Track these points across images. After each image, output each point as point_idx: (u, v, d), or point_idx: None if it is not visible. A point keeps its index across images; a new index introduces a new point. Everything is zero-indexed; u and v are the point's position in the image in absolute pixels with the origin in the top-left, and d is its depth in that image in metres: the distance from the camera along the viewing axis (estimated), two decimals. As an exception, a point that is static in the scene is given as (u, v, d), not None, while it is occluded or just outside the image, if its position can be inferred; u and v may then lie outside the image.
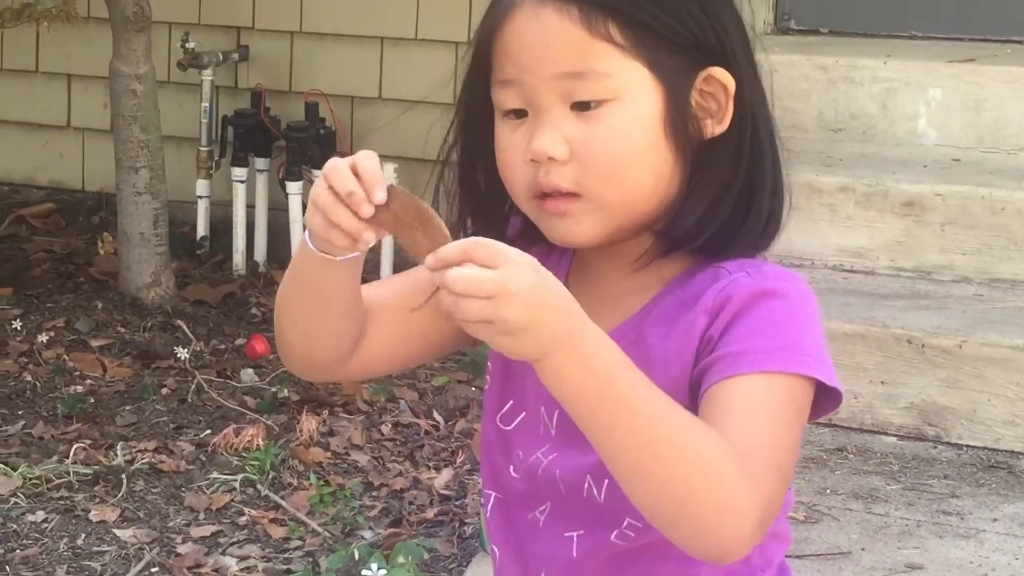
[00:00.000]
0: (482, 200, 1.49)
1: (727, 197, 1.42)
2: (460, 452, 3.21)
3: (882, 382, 3.09)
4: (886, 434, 3.10)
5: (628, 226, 1.42)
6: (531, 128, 1.40)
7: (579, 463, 1.41)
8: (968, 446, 3.06)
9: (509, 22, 1.41)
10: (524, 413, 1.49)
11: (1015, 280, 3.35)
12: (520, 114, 1.41)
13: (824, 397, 1.40)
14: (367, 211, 1.31)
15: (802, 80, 3.82)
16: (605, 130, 1.38)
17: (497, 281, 1.23)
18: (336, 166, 1.32)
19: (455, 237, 1.29)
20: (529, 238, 1.47)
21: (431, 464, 3.17)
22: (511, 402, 1.50)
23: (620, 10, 1.37)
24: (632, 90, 1.38)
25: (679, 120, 1.40)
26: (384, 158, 4.86)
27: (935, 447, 3.07)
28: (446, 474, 3.10)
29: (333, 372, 1.52)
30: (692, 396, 1.39)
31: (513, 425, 1.50)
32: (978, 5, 4.05)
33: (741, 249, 1.43)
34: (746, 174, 1.42)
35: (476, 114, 1.46)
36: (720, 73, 1.41)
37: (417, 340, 1.51)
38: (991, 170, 3.55)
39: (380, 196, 1.31)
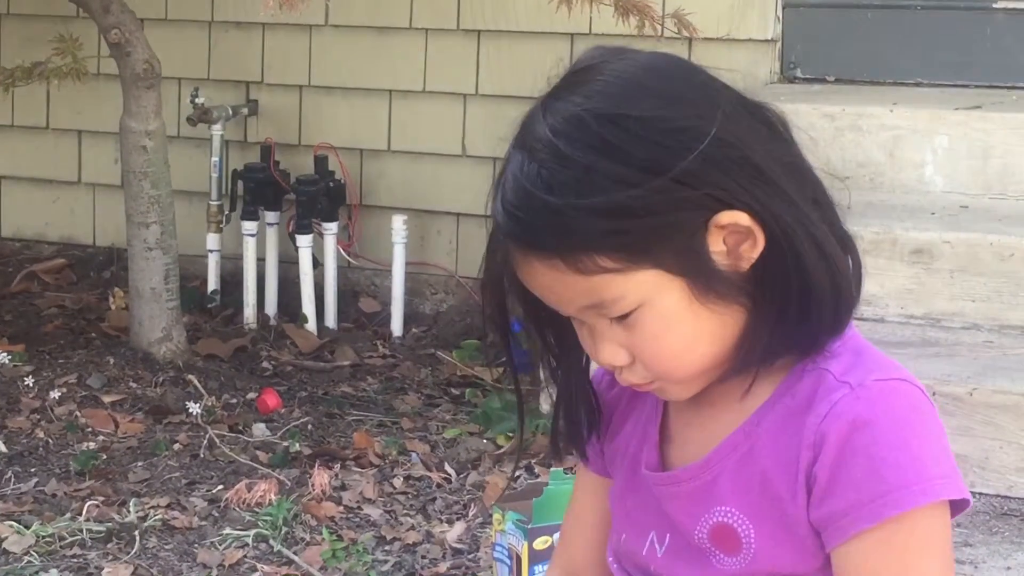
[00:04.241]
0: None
1: (789, 306, 1.39)
2: (472, 505, 3.21)
3: (894, 430, 3.08)
4: (898, 482, 3.10)
5: (714, 377, 1.43)
6: (591, 333, 1.42)
7: None
8: (980, 494, 3.05)
9: (515, 267, 1.40)
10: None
11: (1025, 326, 3.35)
12: None
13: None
14: None
15: (809, 129, 3.79)
16: (646, 334, 1.39)
17: None
18: None
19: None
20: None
21: (443, 517, 3.17)
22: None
23: (598, 241, 1.35)
24: (652, 293, 1.37)
25: (711, 286, 1.37)
26: (393, 210, 4.89)
27: (948, 495, 3.06)
28: (459, 527, 3.10)
29: None
30: (811, 530, 1.39)
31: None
32: (983, 52, 4.07)
33: (822, 336, 1.40)
34: (799, 274, 1.38)
35: (535, 313, 1.46)
36: (725, 217, 1.36)
37: None
38: (999, 217, 3.55)
39: None
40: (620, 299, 1.37)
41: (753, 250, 1.38)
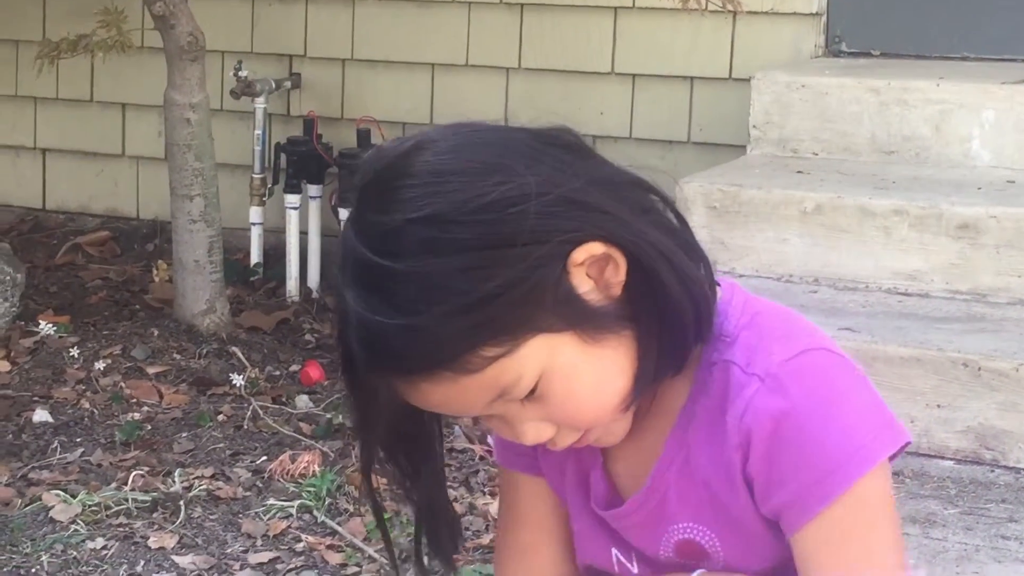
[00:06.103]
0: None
1: (664, 316, 1.36)
2: (515, 478, 3.21)
3: (938, 405, 3.07)
4: (943, 458, 3.09)
5: (638, 404, 1.41)
6: (506, 422, 1.38)
7: None
8: (1026, 470, 3.04)
9: (402, 394, 1.35)
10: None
11: (1071, 302, 3.33)
12: None
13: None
14: None
15: (854, 103, 3.81)
16: (559, 398, 1.35)
17: None
18: None
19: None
20: None
21: (486, 490, 3.17)
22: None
23: (474, 337, 1.29)
24: (546, 359, 1.33)
25: (595, 325, 1.34)
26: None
27: (992, 471, 3.05)
28: (501, 500, 3.11)
29: None
30: (767, 522, 1.39)
31: None
32: (1031, 26, 4.04)
33: (688, 344, 1.38)
34: (658, 283, 1.35)
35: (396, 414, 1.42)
36: (579, 254, 1.32)
37: None
38: (1046, 192, 3.53)
39: None
40: (520, 379, 1.32)
41: (618, 273, 1.34)
